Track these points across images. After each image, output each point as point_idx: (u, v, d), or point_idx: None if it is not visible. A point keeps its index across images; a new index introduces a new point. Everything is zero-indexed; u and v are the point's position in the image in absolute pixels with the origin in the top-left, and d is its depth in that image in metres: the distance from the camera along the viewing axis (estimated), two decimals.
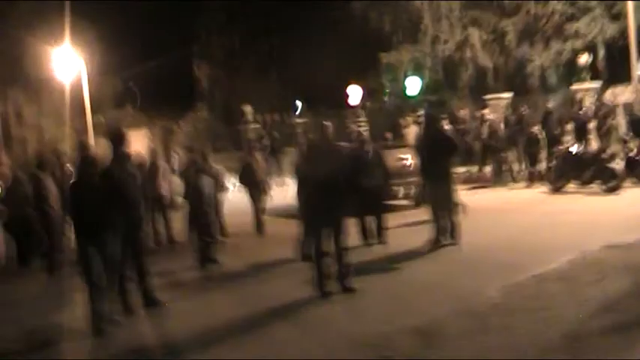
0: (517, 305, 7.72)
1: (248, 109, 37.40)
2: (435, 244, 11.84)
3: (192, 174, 12.73)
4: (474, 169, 23.78)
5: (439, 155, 11.89)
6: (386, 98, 33.56)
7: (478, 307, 7.80)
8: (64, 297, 10.47)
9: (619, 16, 24.72)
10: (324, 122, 9.55)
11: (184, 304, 8.93)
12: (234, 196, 16.77)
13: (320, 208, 9.03)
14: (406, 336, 6.95)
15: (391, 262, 10.99)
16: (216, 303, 9.33)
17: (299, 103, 39.68)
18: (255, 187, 15.61)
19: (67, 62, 38.59)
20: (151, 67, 41.86)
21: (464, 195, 18.91)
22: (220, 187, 14.73)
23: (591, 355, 6.00)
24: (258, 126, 36.40)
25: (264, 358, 6.97)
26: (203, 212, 12.04)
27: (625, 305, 7.33)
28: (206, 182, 12.63)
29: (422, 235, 12.03)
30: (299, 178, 10.27)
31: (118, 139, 8.71)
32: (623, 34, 22.93)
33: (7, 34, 44.59)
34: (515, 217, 14.78)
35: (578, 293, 7.96)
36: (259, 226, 15.48)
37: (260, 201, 15.61)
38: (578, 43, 26.96)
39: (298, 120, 35.44)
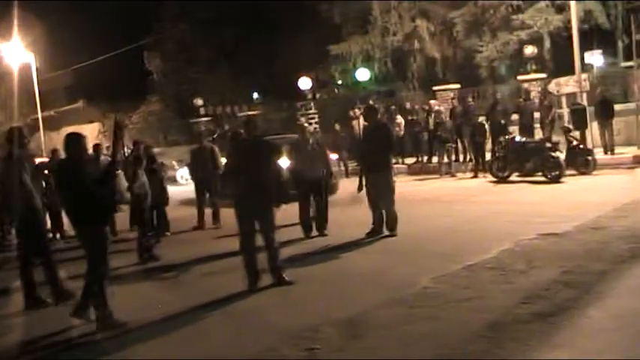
0: (446, 295, 7.79)
1: (200, 101, 37.26)
2: (374, 235, 11.92)
3: (134, 169, 12.61)
4: (422, 159, 23.97)
5: (378, 146, 11.96)
6: (336, 90, 33.57)
7: (408, 296, 7.85)
8: None
9: (563, 8, 25.03)
10: (248, 115, 9.59)
11: (118, 298, 8.80)
12: (185, 189, 16.67)
13: (244, 202, 9.00)
14: (334, 327, 6.96)
15: (329, 254, 11.03)
16: (150, 297, 9.25)
17: (256, 95, 39.62)
18: (205, 180, 15.51)
19: (15, 55, 38.11)
20: (102, 61, 41.37)
21: (410, 185, 19.20)
22: (163, 180, 14.72)
23: (511, 342, 6.08)
24: (210, 119, 36.30)
25: (190, 351, 6.93)
26: (144, 207, 12.04)
27: (551, 293, 7.44)
28: (149, 177, 12.61)
29: (362, 226, 12.09)
30: (225, 171, 10.21)
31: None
32: (568, 25, 23.24)
33: None
34: (456, 207, 14.93)
35: (507, 282, 8.07)
36: (207, 217, 15.40)
37: (209, 193, 15.51)
38: (524, 35, 27.27)
39: (250, 112, 35.32)
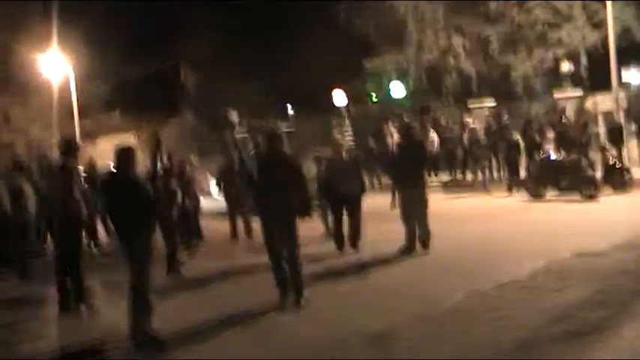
0: (477, 312, 7.76)
1: (233, 114, 37.40)
2: (407, 251, 11.89)
3: (165, 179, 12.74)
4: (456, 176, 23.88)
5: (412, 162, 11.96)
6: (371, 106, 33.60)
7: (438, 313, 7.85)
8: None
9: (600, 25, 24.85)
10: (273, 131, 9.54)
11: None
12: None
13: (268, 217, 9.01)
14: (362, 341, 6.98)
15: (361, 269, 11.03)
16: (177, 307, 9.30)
17: (290, 110, 39.73)
18: (235, 192, 15.56)
19: (54, 67, 38.68)
20: (137, 72, 41.86)
21: (444, 202, 19.12)
22: (197, 191, 14.87)
23: None
24: (243, 131, 36.44)
25: None
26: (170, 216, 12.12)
27: (583, 313, 7.37)
28: (180, 187, 12.77)
29: (396, 242, 12.07)
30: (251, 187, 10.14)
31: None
32: (604, 42, 23.07)
33: None
34: (490, 225, 14.80)
35: (539, 301, 8.00)
36: (238, 230, 15.46)
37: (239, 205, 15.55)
38: (561, 51, 27.12)
39: (285, 127, 35.44)
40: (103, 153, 22.05)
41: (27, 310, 10.10)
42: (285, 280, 8.96)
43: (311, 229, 12.22)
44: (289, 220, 8.91)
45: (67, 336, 8.65)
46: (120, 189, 8.17)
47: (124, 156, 8.18)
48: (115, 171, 8.41)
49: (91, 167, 17.20)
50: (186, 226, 14.94)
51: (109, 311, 9.64)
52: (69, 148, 9.90)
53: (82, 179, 10.66)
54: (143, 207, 8.03)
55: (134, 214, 7.98)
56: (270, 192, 8.88)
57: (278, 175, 8.89)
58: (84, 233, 11.71)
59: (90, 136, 46.11)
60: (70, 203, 9.62)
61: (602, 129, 21.67)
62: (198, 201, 15.08)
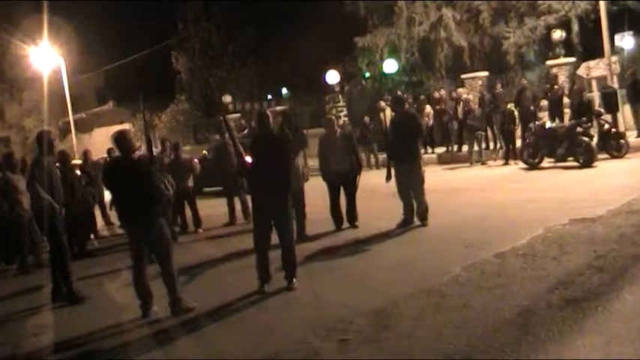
0: (478, 283, 7.77)
1: (228, 98, 37.37)
2: (405, 226, 11.90)
3: (161, 166, 12.74)
4: (452, 148, 23.87)
5: (406, 136, 11.91)
6: (364, 83, 33.48)
7: (439, 285, 7.85)
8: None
9: None
10: (261, 111, 9.46)
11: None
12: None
13: (259, 198, 8.96)
14: (365, 318, 6.98)
15: (360, 245, 11.01)
16: (186, 291, 9.30)
17: (284, 90, 39.66)
18: (230, 177, 15.51)
19: (45, 60, 38.56)
20: (130, 62, 41.74)
21: (441, 175, 19.13)
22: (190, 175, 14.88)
23: (543, 329, 6.03)
24: (238, 115, 36.38)
25: (221, 345, 6.98)
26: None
27: (582, 279, 7.37)
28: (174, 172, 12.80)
29: (393, 217, 12.08)
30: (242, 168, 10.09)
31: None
32: (597, 8, 22.96)
33: None
34: (487, 195, 14.84)
35: (538, 269, 8.02)
36: (235, 212, 15.44)
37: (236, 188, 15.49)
38: (552, 19, 27.00)
39: (278, 108, 35.40)
40: (98, 144, 22.01)
41: (26, 303, 10.08)
42: (267, 268, 8.83)
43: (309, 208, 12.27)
44: (282, 200, 8.80)
45: (67, 327, 8.64)
46: (124, 172, 8.30)
47: (122, 139, 8.35)
48: (116, 156, 8.52)
49: (86, 158, 17.13)
50: (181, 211, 15.06)
51: (107, 301, 9.69)
52: (42, 141, 9.89)
53: (58, 172, 10.54)
54: (155, 188, 8.28)
55: (148, 196, 8.17)
56: (261, 172, 8.81)
57: (269, 155, 8.83)
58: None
59: (84, 127, 46.09)
60: (39, 199, 9.66)
61: (595, 95, 21.59)
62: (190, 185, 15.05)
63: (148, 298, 8.32)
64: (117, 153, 8.85)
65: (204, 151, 22.06)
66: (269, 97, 40.32)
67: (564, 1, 27.06)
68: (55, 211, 9.65)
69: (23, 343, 8.08)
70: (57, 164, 11.47)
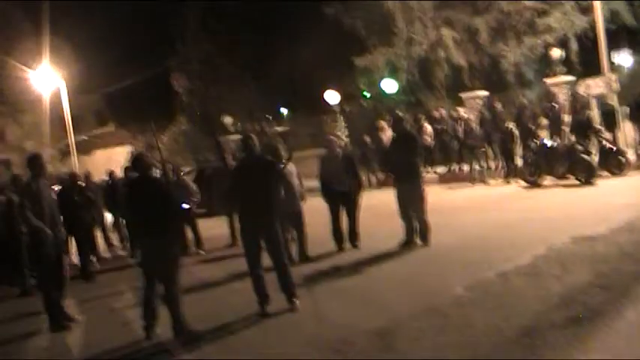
0: (479, 302, 7.76)
1: (228, 119, 37.46)
2: (407, 245, 11.89)
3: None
4: (453, 167, 23.87)
5: (406, 155, 11.92)
6: (364, 103, 33.54)
7: (441, 305, 7.84)
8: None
9: (589, 10, 24.80)
10: (247, 135, 9.45)
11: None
12: None
13: (247, 222, 8.93)
14: (367, 338, 6.98)
15: (361, 265, 11.00)
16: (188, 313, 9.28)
17: (284, 110, 39.75)
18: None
19: (46, 82, 38.66)
20: (129, 83, 41.87)
21: (442, 194, 19.11)
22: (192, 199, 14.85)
23: (547, 348, 6.02)
24: (239, 136, 36.42)
25: None
26: None
27: (585, 298, 7.36)
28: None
29: (395, 237, 12.07)
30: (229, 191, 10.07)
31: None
32: (593, 27, 23.04)
33: None
34: (489, 214, 14.81)
35: (541, 288, 8.00)
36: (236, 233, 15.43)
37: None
38: (551, 38, 27.06)
39: (278, 128, 35.50)
40: (99, 166, 22.01)
41: (27, 326, 10.06)
42: (263, 289, 8.83)
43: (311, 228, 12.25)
44: (270, 222, 8.78)
45: (67, 350, 8.63)
46: (143, 191, 8.39)
47: (140, 159, 8.59)
48: (136, 176, 8.74)
49: (88, 180, 17.12)
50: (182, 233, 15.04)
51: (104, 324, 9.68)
52: (33, 165, 9.91)
53: (51, 195, 10.53)
54: (175, 207, 8.42)
55: (167, 215, 8.26)
56: (249, 195, 8.81)
57: (256, 178, 8.83)
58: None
59: (85, 149, 46.14)
60: (29, 226, 9.66)
61: (595, 112, 21.61)
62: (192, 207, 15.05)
63: (153, 319, 8.31)
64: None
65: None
66: (269, 117, 40.31)
67: (562, 20, 27.11)
68: (44, 239, 9.58)
69: None
70: (56, 187, 11.47)
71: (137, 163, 8.60)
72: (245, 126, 38.31)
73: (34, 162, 9.96)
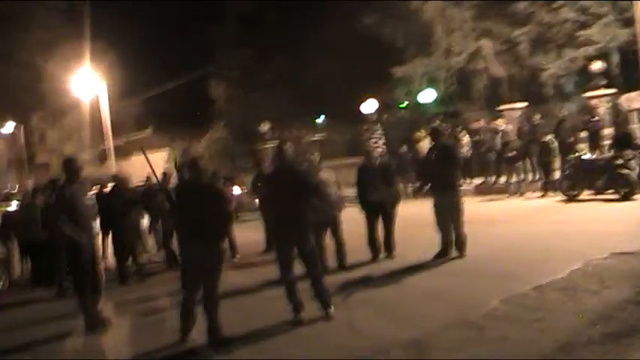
0: (516, 316, 7.70)
1: (265, 126, 37.60)
2: (443, 256, 11.84)
3: None
4: (490, 179, 23.70)
5: (444, 167, 11.89)
6: (401, 113, 33.47)
7: (477, 318, 7.79)
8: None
9: (630, 22, 24.54)
10: (281, 143, 9.45)
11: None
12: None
13: (280, 231, 8.99)
14: (401, 349, 6.96)
15: (397, 275, 10.97)
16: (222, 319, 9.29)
17: (321, 118, 39.78)
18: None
19: (86, 86, 39.18)
20: (168, 89, 42.27)
21: (478, 206, 18.99)
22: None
23: None
24: (274, 144, 36.53)
25: None
26: None
27: (624, 314, 7.27)
28: None
29: (431, 248, 12.03)
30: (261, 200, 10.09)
31: None
32: (635, 39, 22.80)
33: (27, 61, 45.42)
34: (525, 227, 14.68)
35: (578, 303, 7.92)
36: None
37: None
38: (591, 50, 26.80)
39: (315, 136, 35.53)
40: (137, 170, 22.21)
41: (64, 327, 10.17)
42: (296, 297, 8.83)
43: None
44: (304, 233, 8.81)
45: (102, 352, 8.73)
46: (195, 194, 8.44)
47: (195, 162, 8.68)
48: (188, 179, 8.82)
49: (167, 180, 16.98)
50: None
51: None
52: (68, 169, 10.02)
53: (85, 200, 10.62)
54: (224, 212, 8.41)
55: (215, 220, 8.32)
56: (282, 205, 8.84)
57: (290, 187, 8.84)
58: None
59: (124, 153, 46.61)
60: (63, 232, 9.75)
61: (636, 127, 21.36)
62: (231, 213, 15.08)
63: (190, 323, 8.36)
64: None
65: None
66: (304, 125, 40.34)
67: (603, 33, 26.86)
68: (78, 243, 9.69)
69: None
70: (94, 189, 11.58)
71: (192, 166, 8.64)
72: (281, 133, 38.41)
73: (69, 166, 10.07)
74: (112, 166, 38.93)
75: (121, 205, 13.83)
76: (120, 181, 14.43)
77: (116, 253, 14.44)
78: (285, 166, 9.17)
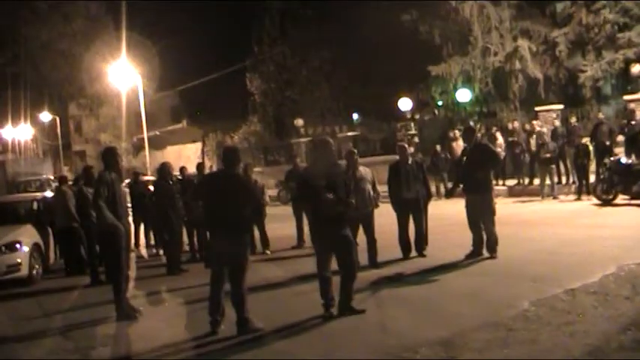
0: (546, 318, 7.66)
1: (300, 122, 37.70)
2: (474, 257, 11.81)
3: None
4: (524, 181, 23.55)
5: (478, 167, 11.86)
6: (437, 112, 33.34)
7: (507, 319, 7.77)
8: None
9: None
10: (322, 139, 9.43)
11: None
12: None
13: (317, 226, 8.93)
14: (431, 348, 6.96)
15: (427, 274, 10.97)
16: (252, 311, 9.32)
17: (355, 115, 39.80)
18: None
19: (123, 77, 39.61)
20: (204, 82, 42.51)
21: (511, 207, 18.89)
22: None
23: None
24: (309, 139, 36.63)
25: None
26: None
27: None
28: None
29: (462, 248, 12.01)
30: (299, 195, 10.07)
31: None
32: None
33: (66, 51, 46.02)
34: (558, 230, 14.59)
35: (610, 308, 7.86)
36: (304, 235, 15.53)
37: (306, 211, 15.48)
38: (631, 53, 26.46)
39: (349, 133, 35.54)
40: (171, 161, 22.42)
41: (96, 314, 10.30)
42: (330, 292, 8.77)
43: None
44: (341, 227, 8.77)
45: (133, 340, 8.84)
46: (224, 184, 8.45)
47: (233, 151, 8.79)
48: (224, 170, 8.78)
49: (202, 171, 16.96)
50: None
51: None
52: (108, 158, 10.16)
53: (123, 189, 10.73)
54: (249, 201, 8.50)
55: (246, 211, 8.37)
56: (320, 202, 8.74)
57: (327, 183, 8.79)
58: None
59: (158, 144, 47.07)
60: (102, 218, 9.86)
61: None
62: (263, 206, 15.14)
63: (219, 315, 8.41)
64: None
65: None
66: (338, 121, 40.34)
67: None
68: (115, 231, 9.81)
69: (91, 353, 8.27)
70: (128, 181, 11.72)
71: (229, 155, 8.65)
72: (316, 129, 38.49)
73: (109, 154, 10.23)
74: (146, 156, 39.34)
75: (170, 196, 13.89)
76: (165, 172, 14.42)
77: (166, 244, 14.56)
78: (326, 161, 9.14)
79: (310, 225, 9.14)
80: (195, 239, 15.39)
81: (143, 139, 40.18)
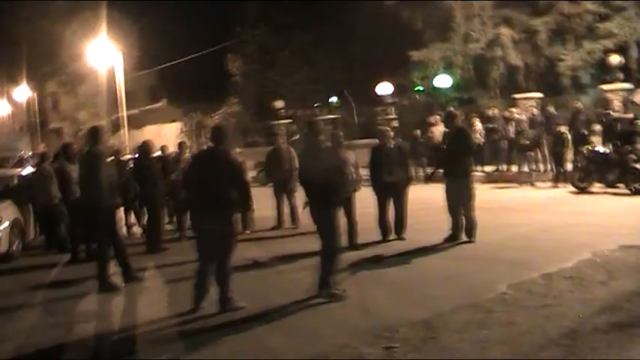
0: (523, 302, 7.84)
1: (280, 103, 37.64)
2: (452, 240, 11.98)
3: None
4: (501, 167, 23.77)
5: (457, 152, 12.00)
6: (416, 97, 33.41)
7: (485, 301, 7.94)
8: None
9: None
10: (311, 120, 9.53)
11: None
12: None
13: (309, 204, 9.03)
14: (410, 328, 7.10)
15: (406, 257, 11.11)
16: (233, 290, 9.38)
17: (334, 99, 39.77)
18: (282, 180, 15.63)
19: (102, 55, 39.35)
20: (184, 62, 42.29)
21: (489, 193, 19.08)
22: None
23: (586, 352, 6.09)
24: (289, 121, 36.63)
25: (266, 347, 7.13)
26: None
27: (630, 305, 7.41)
28: None
29: (441, 232, 12.16)
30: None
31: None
32: None
33: (44, 29, 45.62)
34: (535, 216, 14.81)
35: (585, 292, 8.06)
36: (282, 216, 15.62)
37: (286, 192, 15.58)
38: (610, 43, 26.69)
39: (330, 116, 35.53)
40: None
41: (77, 290, 10.35)
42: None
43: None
44: (324, 208, 8.80)
45: (115, 316, 8.92)
46: (212, 162, 8.50)
47: (221, 130, 8.90)
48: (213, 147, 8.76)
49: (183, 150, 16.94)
50: None
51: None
52: (95, 137, 10.25)
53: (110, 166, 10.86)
54: (237, 184, 8.43)
55: (226, 189, 8.34)
56: (310, 179, 8.92)
57: (318, 164, 8.93)
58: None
59: (136, 123, 46.80)
60: (91, 188, 9.96)
61: None
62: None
63: (203, 293, 8.49)
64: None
65: None
66: (318, 104, 40.27)
67: (624, 26, 26.74)
68: (100, 206, 9.87)
69: (74, 328, 8.34)
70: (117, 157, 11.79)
71: (217, 133, 8.74)
72: (296, 111, 38.46)
73: (95, 133, 10.35)
74: (125, 135, 39.18)
75: (152, 174, 13.92)
76: (147, 150, 14.40)
77: (146, 222, 14.62)
78: (316, 143, 9.24)
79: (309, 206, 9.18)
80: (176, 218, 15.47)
81: (121, 117, 39.98)
